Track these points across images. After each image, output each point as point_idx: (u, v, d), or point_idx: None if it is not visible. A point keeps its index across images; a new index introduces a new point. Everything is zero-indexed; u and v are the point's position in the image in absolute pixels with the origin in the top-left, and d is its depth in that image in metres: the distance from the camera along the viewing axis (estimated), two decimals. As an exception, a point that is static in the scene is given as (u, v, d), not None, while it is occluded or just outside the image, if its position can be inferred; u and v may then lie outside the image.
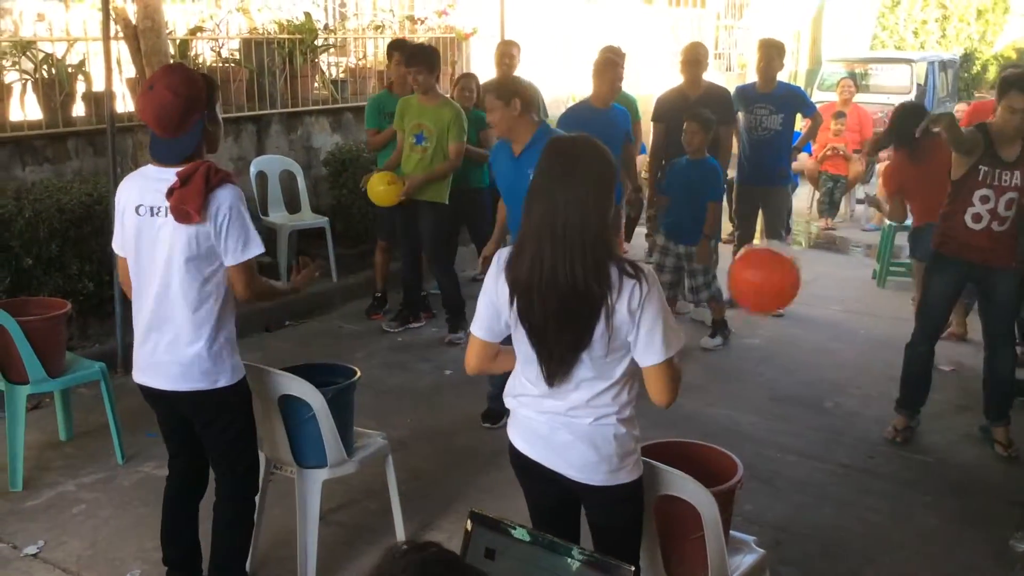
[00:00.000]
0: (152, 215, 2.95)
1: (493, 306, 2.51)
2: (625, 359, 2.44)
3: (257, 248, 3.00)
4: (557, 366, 2.43)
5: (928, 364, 4.83)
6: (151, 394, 3.12)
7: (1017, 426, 4.75)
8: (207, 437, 3.17)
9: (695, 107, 6.11)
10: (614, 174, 2.44)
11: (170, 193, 2.88)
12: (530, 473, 2.61)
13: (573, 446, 2.49)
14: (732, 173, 7.06)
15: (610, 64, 6.02)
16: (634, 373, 2.47)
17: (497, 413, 4.72)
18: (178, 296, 2.96)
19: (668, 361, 2.42)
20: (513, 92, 4.34)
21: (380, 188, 5.90)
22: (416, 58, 5.94)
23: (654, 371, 2.43)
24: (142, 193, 2.99)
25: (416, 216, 6.09)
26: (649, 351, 2.40)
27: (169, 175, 2.91)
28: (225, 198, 2.92)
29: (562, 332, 2.38)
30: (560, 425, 2.50)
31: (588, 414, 2.47)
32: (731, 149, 6.51)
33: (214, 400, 3.07)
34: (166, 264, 2.95)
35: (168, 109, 2.89)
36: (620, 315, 2.35)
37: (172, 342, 3.00)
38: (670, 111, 6.41)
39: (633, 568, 2.05)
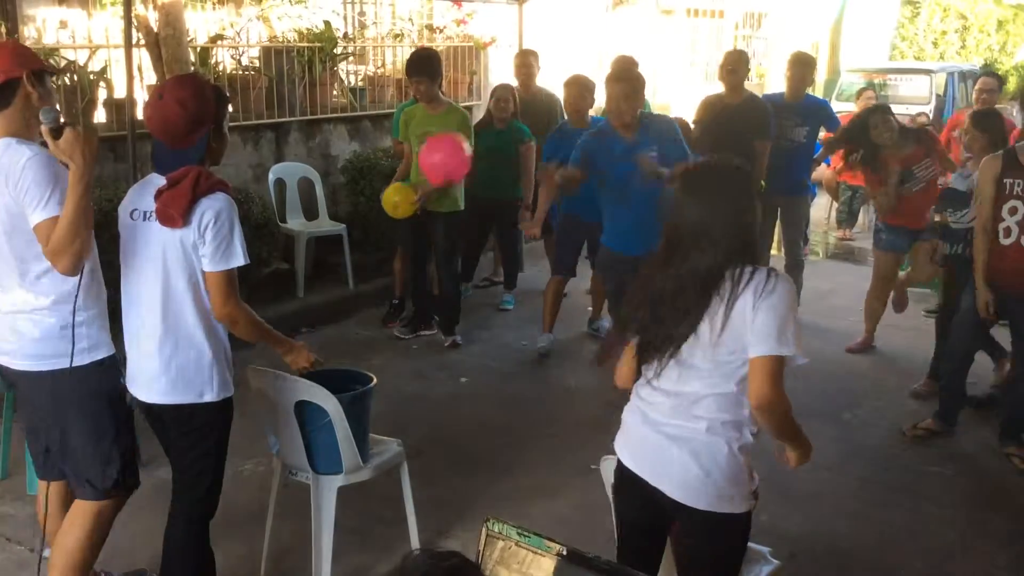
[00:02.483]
0: (144, 219, 2.91)
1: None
2: (744, 367, 2.39)
3: (238, 260, 2.88)
4: (669, 351, 2.43)
5: (960, 378, 4.87)
6: (142, 404, 3.07)
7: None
8: (177, 450, 3.09)
9: (733, 115, 6.16)
10: (753, 194, 2.53)
11: (158, 196, 2.83)
12: (633, 489, 2.56)
13: (678, 459, 2.44)
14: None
15: (565, 87, 6.25)
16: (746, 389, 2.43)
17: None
18: (162, 309, 2.90)
19: (776, 359, 2.34)
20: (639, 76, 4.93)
21: (395, 199, 5.89)
22: (416, 68, 5.90)
23: (758, 363, 2.34)
24: (137, 199, 2.97)
25: (430, 225, 6.07)
26: (760, 339, 2.33)
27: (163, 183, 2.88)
28: (212, 205, 2.83)
29: (676, 312, 2.41)
30: (668, 436, 2.47)
31: (696, 420, 2.43)
32: (765, 162, 6.43)
33: (196, 413, 3.00)
34: (153, 270, 2.90)
35: (174, 121, 2.84)
36: (743, 302, 2.35)
37: (157, 357, 2.94)
38: (707, 115, 6.45)
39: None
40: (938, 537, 4.01)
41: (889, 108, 5.96)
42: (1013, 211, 4.42)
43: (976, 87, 7.65)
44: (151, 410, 3.06)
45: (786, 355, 2.34)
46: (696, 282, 2.39)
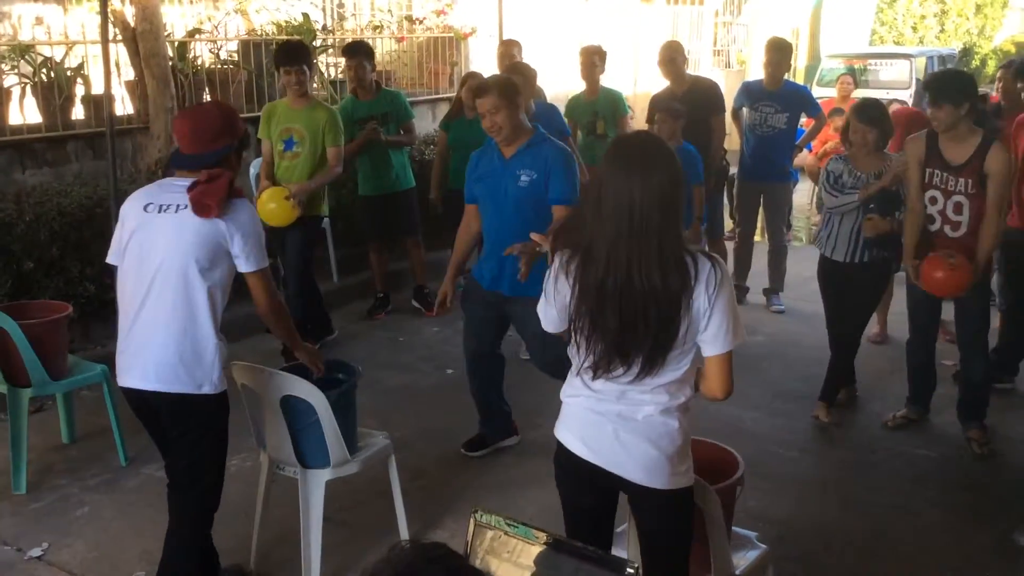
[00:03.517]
0: (160, 212, 3.00)
1: (560, 305, 2.49)
2: (691, 352, 2.43)
3: (265, 261, 3.10)
4: (641, 364, 2.39)
5: (926, 360, 4.86)
6: (136, 396, 3.09)
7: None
8: (179, 445, 3.11)
9: (685, 100, 6.22)
10: (681, 169, 2.44)
11: (192, 187, 2.95)
12: (579, 473, 2.56)
13: (634, 444, 2.46)
14: (734, 169, 7.08)
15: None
16: (691, 371, 2.46)
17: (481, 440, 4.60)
18: (174, 296, 2.96)
19: (730, 353, 2.42)
20: (516, 92, 4.11)
21: (271, 206, 5.25)
22: (292, 58, 5.52)
23: (717, 361, 2.42)
24: (153, 195, 3.07)
25: (287, 229, 5.53)
26: (717, 340, 2.39)
27: (183, 183, 3.01)
28: (244, 207, 3.05)
29: (647, 334, 2.35)
30: (620, 422, 2.47)
31: (646, 405, 2.45)
32: (723, 137, 6.59)
33: (195, 406, 3.03)
34: (173, 260, 2.96)
35: (210, 118, 3.07)
36: (698, 303, 2.35)
37: (162, 342, 2.98)
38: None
39: (634, 567, 2.05)
40: (925, 517, 4.04)
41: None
42: (933, 200, 4.41)
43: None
44: (145, 400, 3.06)
45: (740, 343, 2.44)
46: (628, 270, 2.33)
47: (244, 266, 3.04)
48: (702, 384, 2.50)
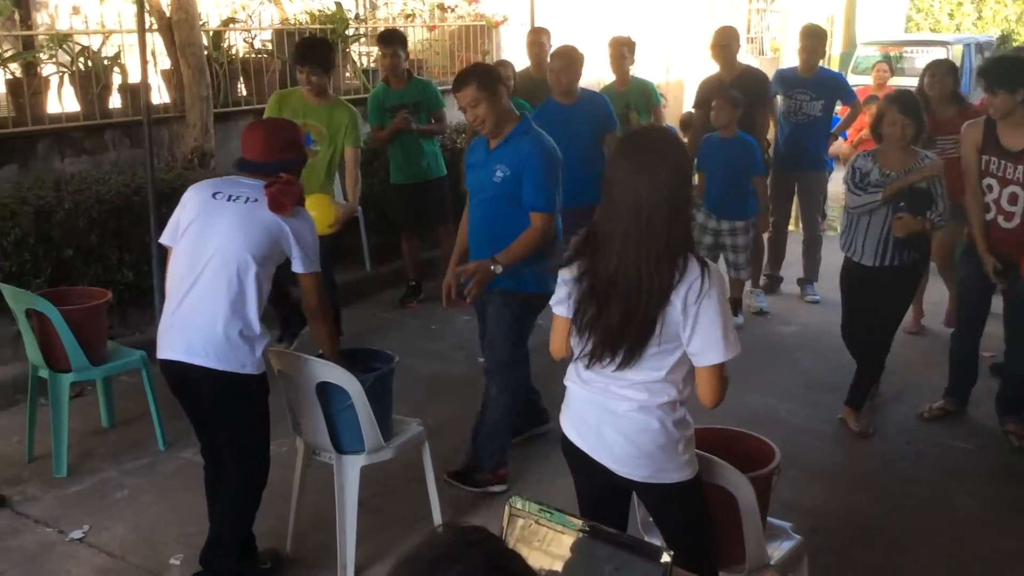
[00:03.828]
0: (230, 200, 3.15)
1: (563, 286, 2.53)
2: (675, 354, 2.42)
3: (316, 266, 3.28)
4: (623, 355, 2.41)
5: (970, 353, 4.80)
6: (177, 372, 3.16)
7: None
8: (223, 425, 3.22)
9: (732, 87, 6.15)
10: (691, 164, 2.44)
11: (271, 184, 3.11)
12: (577, 461, 2.62)
13: (613, 438, 2.50)
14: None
15: (551, 59, 5.92)
16: (686, 372, 2.46)
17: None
18: (228, 278, 3.08)
19: (721, 365, 2.40)
20: (498, 79, 3.91)
21: (312, 214, 5.05)
22: (309, 57, 5.30)
23: (706, 372, 2.41)
24: (221, 186, 3.23)
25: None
26: (704, 352, 2.38)
27: (252, 183, 3.19)
28: (307, 215, 3.27)
29: (630, 326, 2.37)
30: (602, 414, 2.51)
31: (626, 400, 2.47)
32: (767, 129, 6.51)
33: (238, 385, 3.13)
34: (225, 245, 3.09)
35: (283, 130, 3.33)
36: (674, 308, 2.34)
37: (211, 320, 3.08)
38: (708, 97, 6.39)
39: (669, 554, 2.05)
40: (961, 511, 4.01)
41: (952, 68, 5.62)
42: (988, 189, 4.36)
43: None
44: (185, 377, 3.15)
45: (726, 360, 2.40)
46: (638, 268, 2.33)
47: (300, 267, 3.22)
48: (697, 387, 2.48)
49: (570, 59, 5.71)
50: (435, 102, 6.51)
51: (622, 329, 2.39)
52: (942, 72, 5.48)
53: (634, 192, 2.34)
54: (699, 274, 2.33)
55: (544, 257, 3.81)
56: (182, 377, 3.17)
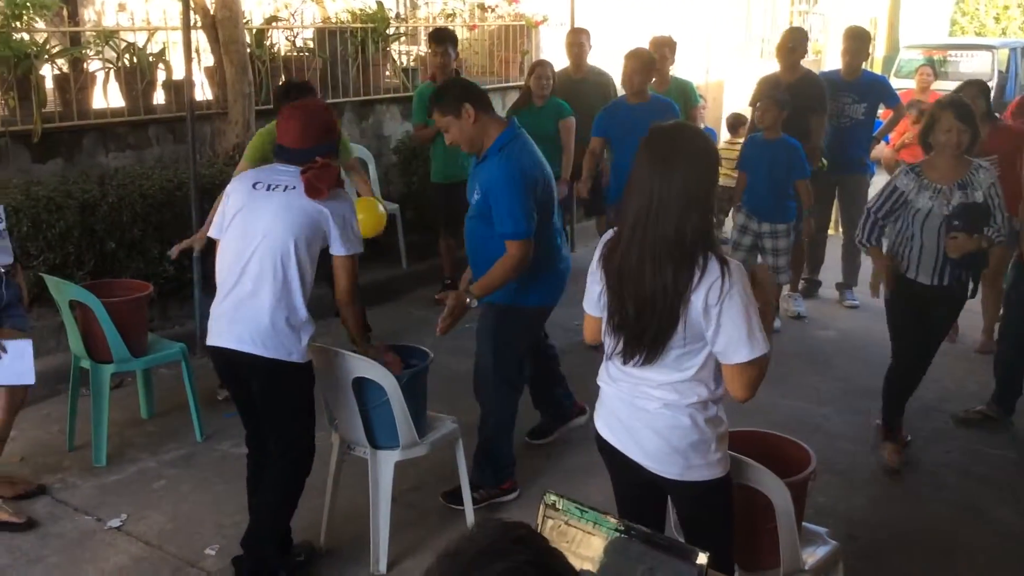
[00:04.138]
0: (270, 189, 3.19)
1: (595, 285, 2.56)
2: (701, 354, 2.42)
3: (360, 248, 3.29)
4: (646, 353, 2.43)
5: (1016, 363, 4.74)
6: (226, 359, 3.22)
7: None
8: (269, 412, 3.26)
9: (789, 91, 6.11)
10: (716, 158, 2.44)
11: (306, 171, 3.13)
12: (611, 458, 2.63)
13: (645, 434, 2.51)
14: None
15: (625, 60, 6.00)
16: (716, 370, 2.45)
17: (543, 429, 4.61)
18: (273, 268, 3.12)
19: (753, 362, 2.37)
20: (458, 98, 3.62)
21: (360, 216, 5.15)
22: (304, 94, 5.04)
23: (735, 370, 2.41)
24: (261, 176, 3.27)
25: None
26: (729, 351, 2.38)
27: (291, 169, 3.20)
28: (346, 196, 3.28)
29: (651, 321, 2.39)
30: (633, 411, 2.52)
31: (656, 400, 2.48)
32: (821, 138, 6.33)
33: (285, 373, 3.18)
34: (269, 235, 3.13)
35: (320, 114, 3.29)
36: (695, 309, 2.34)
37: (258, 309, 3.13)
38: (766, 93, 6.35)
39: (706, 554, 2.04)
40: (999, 521, 3.95)
41: (984, 89, 5.54)
42: None
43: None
44: (234, 364, 3.21)
45: (756, 357, 2.37)
46: (656, 263, 2.34)
47: (338, 249, 3.21)
48: (726, 382, 2.47)
49: (643, 60, 5.91)
50: None
51: (638, 325, 2.41)
52: (972, 94, 5.38)
53: (647, 189, 2.36)
54: (719, 274, 2.33)
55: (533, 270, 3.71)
56: (231, 364, 3.24)
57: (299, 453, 3.32)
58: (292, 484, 3.33)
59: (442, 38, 6.43)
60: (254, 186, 3.23)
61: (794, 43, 6.41)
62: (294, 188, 3.17)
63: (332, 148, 3.31)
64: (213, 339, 3.26)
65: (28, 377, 3.78)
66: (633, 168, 2.43)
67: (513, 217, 3.58)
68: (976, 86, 5.58)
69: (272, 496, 3.33)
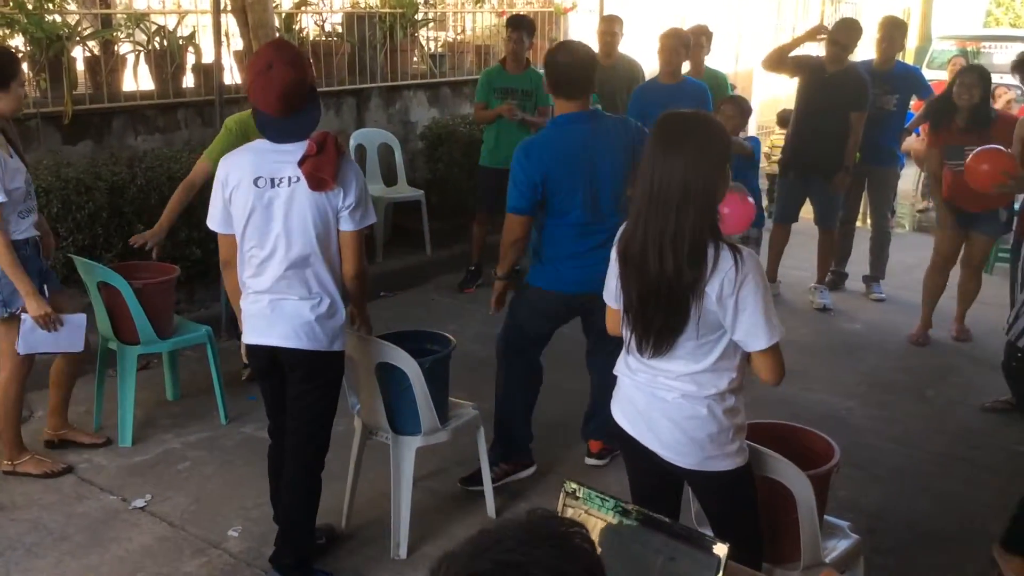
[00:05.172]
0: (273, 186, 3.00)
1: (612, 278, 2.56)
2: (720, 344, 2.42)
3: (372, 218, 3.16)
4: (654, 344, 2.44)
5: None
6: (262, 353, 3.18)
7: None
8: (303, 401, 3.20)
9: (830, 82, 6.04)
10: (724, 150, 2.41)
11: (302, 161, 2.95)
12: (628, 447, 2.63)
13: (662, 424, 2.51)
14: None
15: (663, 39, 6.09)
16: (737, 360, 2.45)
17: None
18: (310, 261, 3.05)
19: (774, 346, 2.39)
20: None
21: None
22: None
23: (760, 357, 2.42)
24: (257, 166, 3.02)
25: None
26: (750, 339, 2.38)
27: (287, 149, 2.98)
28: (350, 167, 3.06)
29: (657, 311, 2.39)
30: (651, 400, 2.52)
31: (674, 390, 2.47)
32: (859, 137, 6.18)
33: (326, 363, 3.17)
34: (292, 231, 3.01)
35: (294, 86, 2.93)
36: (710, 300, 2.34)
37: (296, 304, 3.08)
38: (807, 81, 6.29)
39: (725, 545, 2.03)
40: None
41: (984, 74, 5.50)
42: None
43: None
44: (275, 358, 3.17)
45: (776, 341, 2.39)
46: (658, 251, 2.33)
47: (346, 224, 3.07)
48: (755, 369, 2.48)
49: (682, 40, 6.00)
50: (543, 96, 6.52)
51: (644, 314, 2.41)
52: (970, 82, 5.32)
53: (651, 174, 2.35)
54: (732, 263, 2.32)
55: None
56: (273, 360, 3.18)
57: (326, 437, 3.30)
58: (318, 466, 3.31)
59: (518, 24, 6.51)
60: (256, 182, 3.00)
61: (847, 40, 6.16)
62: (298, 180, 2.97)
63: (317, 113, 3.06)
64: (253, 337, 3.16)
65: (78, 345, 3.98)
66: (644, 155, 2.42)
67: (510, 191, 3.74)
68: (974, 73, 5.48)
69: (301, 476, 3.29)
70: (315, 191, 2.98)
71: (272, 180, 3.00)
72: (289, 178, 2.99)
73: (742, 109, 5.59)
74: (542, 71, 6.79)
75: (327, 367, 3.19)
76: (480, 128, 6.82)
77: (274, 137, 3.02)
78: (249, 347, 3.23)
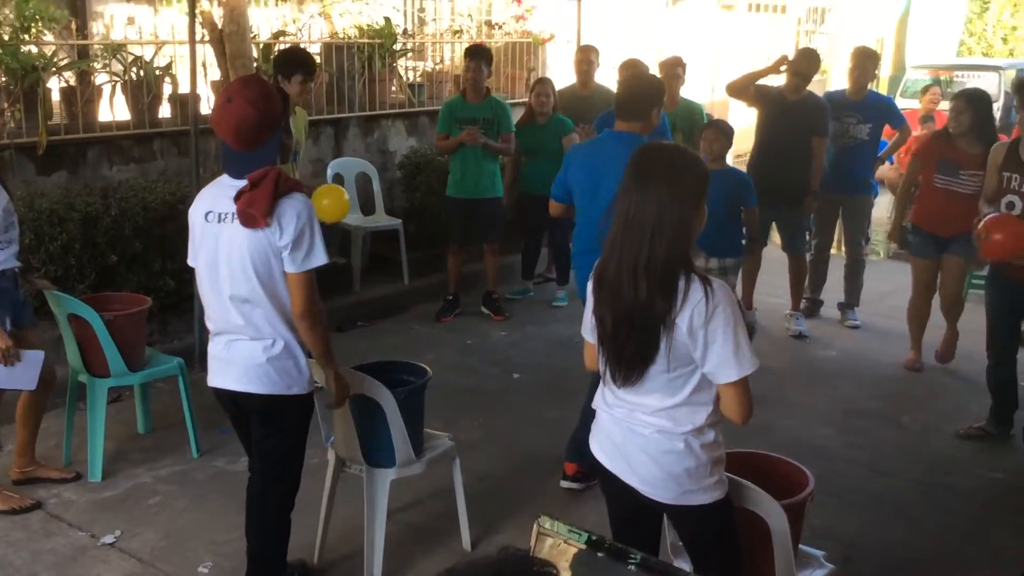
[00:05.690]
0: (219, 221, 2.96)
1: (589, 310, 2.56)
2: (693, 377, 2.41)
3: (319, 260, 2.96)
4: (624, 373, 2.44)
5: (1007, 378, 4.75)
6: (224, 396, 3.14)
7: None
8: (265, 445, 3.15)
9: (790, 110, 6.09)
10: (700, 184, 2.41)
11: (238, 197, 2.88)
12: (606, 481, 2.62)
13: (639, 459, 2.50)
14: None
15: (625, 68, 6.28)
16: (713, 393, 2.44)
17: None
18: (254, 301, 2.96)
19: (743, 380, 2.37)
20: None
21: (324, 202, 5.68)
22: (311, 65, 5.47)
23: (728, 390, 2.40)
24: (213, 200, 3.00)
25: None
26: (721, 369, 2.36)
27: (242, 184, 2.92)
28: (292, 205, 2.91)
29: (629, 339, 2.39)
30: (628, 435, 2.51)
31: (651, 426, 2.47)
32: (822, 162, 6.31)
33: (284, 406, 3.07)
34: (233, 269, 2.94)
35: (248, 123, 2.89)
36: (680, 331, 2.33)
37: (248, 346, 3.01)
38: (767, 111, 6.33)
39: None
40: (1001, 547, 3.91)
41: (971, 96, 5.47)
42: (1011, 206, 4.35)
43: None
44: (236, 401, 3.11)
45: (747, 375, 2.37)
46: (632, 278, 2.34)
47: (287, 265, 2.92)
48: (722, 406, 2.46)
49: (639, 71, 6.10)
50: (506, 123, 6.55)
51: (616, 340, 2.41)
52: (958, 107, 5.38)
53: (625, 205, 2.38)
54: (703, 295, 2.32)
55: None
56: (234, 403, 3.13)
57: (294, 481, 3.23)
58: (285, 506, 3.25)
59: (476, 54, 6.54)
60: (206, 216, 2.99)
61: (807, 70, 6.29)
62: (235, 216, 2.90)
63: (277, 144, 2.98)
64: (213, 380, 3.14)
65: (31, 384, 3.92)
66: (618, 186, 2.44)
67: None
68: (961, 100, 5.47)
69: (267, 517, 3.24)
70: (245, 227, 2.87)
71: (220, 215, 2.96)
72: (232, 213, 2.92)
73: (724, 132, 5.60)
74: (503, 99, 6.89)
75: (286, 412, 3.09)
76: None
77: (231, 171, 3.01)
78: (212, 390, 3.18)
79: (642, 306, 2.35)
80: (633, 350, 2.39)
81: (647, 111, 4.02)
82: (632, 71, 6.11)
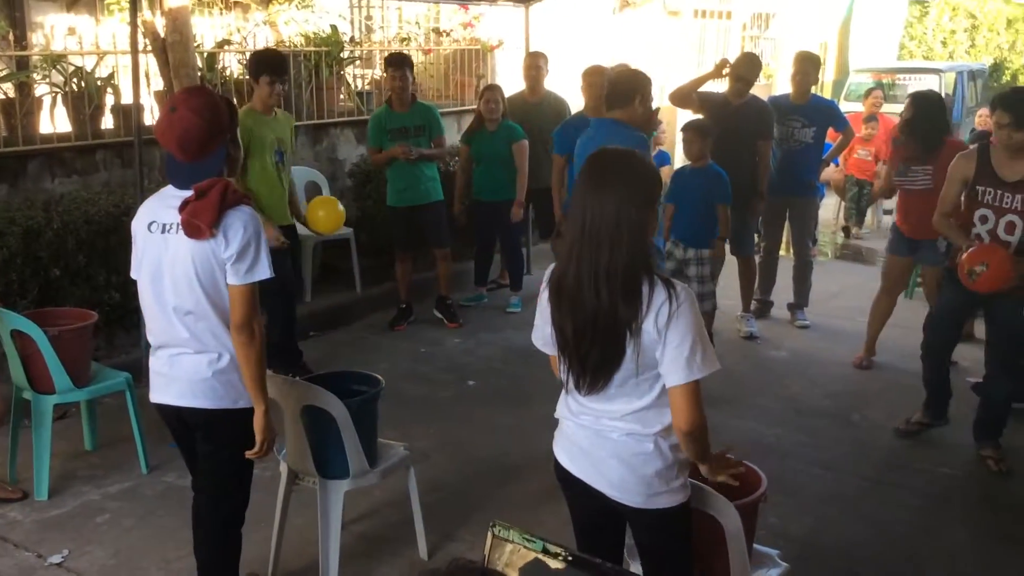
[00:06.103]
0: (163, 232, 2.89)
1: (545, 325, 2.53)
2: (659, 382, 2.41)
3: (263, 273, 2.89)
4: (589, 381, 2.42)
5: (944, 373, 4.90)
6: (167, 412, 3.06)
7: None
8: (212, 460, 3.07)
9: (735, 114, 6.16)
10: (653, 187, 2.42)
11: (183, 207, 2.82)
12: (572, 488, 2.60)
13: (609, 463, 2.49)
14: None
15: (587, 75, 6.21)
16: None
17: None
18: (197, 313, 2.89)
19: (694, 384, 2.35)
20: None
21: (320, 213, 6.04)
22: (282, 68, 5.49)
23: (676, 392, 2.37)
24: (157, 211, 2.94)
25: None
26: (672, 369, 2.35)
27: (185, 194, 2.86)
28: (238, 217, 2.84)
29: (593, 346, 2.38)
30: (596, 439, 2.50)
31: (619, 430, 2.46)
32: (768, 165, 6.40)
33: (234, 420, 2.99)
34: (178, 281, 2.87)
35: (193, 132, 2.83)
36: (648, 334, 2.33)
37: (192, 360, 2.94)
38: (712, 116, 6.37)
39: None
40: (951, 539, 3.98)
41: (917, 97, 5.50)
42: (984, 219, 4.36)
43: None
44: (180, 416, 3.03)
45: (698, 378, 2.35)
46: (593, 284, 2.34)
47: (231, 277, 2.85)
48: (671, 411, 2.43)
49: (603, 76, 5.98)
50: (436, 127, 6.51)
51: (579, 348, 2.40)
52: (904, 109, 5.47)
53: (582, 211, 2.37)
54: (665, 297, 2.32)
55: None
56: (178, 418, 3.05)
57: (242, 497, 3.16)
58: (234, 523, 3.17)
59: (399, 62, 6.42)
60: (149, 227, 2.91)
61: (748, 75, 6.34)
62: (179, 227, 2.84)
63: (222, 155, 2.93)
64: (155, 396, 3.05)
65: None
66: (573, 191, 2.44)
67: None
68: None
69: (214, 535, 3.17)
70: (190, 238, 2.82)
71: (163, 226, 2.90)
72: (176, 224, 2.86)
73: (702, 133, 5.67)
74: (429, 105, 6.88)
75: (232, 426, 3.00)
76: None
77: (175, 182, 2.94)
78: (155, 407, 3.10)
79: (605, 313, 2.34)
80: (599, 356, 2.38)
81: (630, 97, 4.53)
82: (600, 74, 6.07)
